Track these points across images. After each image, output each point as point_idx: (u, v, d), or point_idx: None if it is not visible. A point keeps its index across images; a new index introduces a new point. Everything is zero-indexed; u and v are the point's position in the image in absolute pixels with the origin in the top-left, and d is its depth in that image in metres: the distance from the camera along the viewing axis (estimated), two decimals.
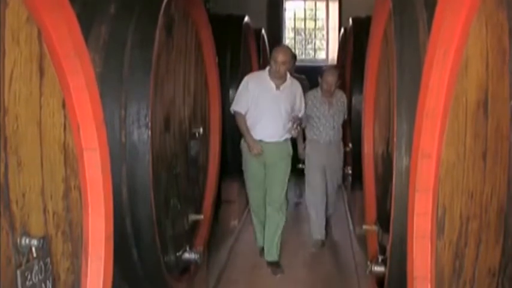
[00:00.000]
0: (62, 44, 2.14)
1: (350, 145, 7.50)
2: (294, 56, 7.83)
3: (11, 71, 1.85)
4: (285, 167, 6.13)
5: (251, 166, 6.11)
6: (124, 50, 3.27)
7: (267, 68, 5.99)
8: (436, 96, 2.06)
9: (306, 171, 7.02)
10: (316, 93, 6.83)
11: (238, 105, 5.94)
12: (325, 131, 6.84)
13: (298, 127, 6.15)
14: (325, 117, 6.80)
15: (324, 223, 7.08)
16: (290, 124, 5.98)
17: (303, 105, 6.37)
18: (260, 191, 6.21)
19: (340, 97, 6.99)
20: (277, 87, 5.93)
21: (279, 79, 5.92)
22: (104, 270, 2.40)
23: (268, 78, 5.93)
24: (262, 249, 6.31)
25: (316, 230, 6.98)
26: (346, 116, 7.09)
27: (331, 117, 6.81)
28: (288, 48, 6.53)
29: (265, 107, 5.89)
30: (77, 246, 2.33)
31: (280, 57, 5.76)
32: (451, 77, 2.04)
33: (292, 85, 6.16)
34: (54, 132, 2.15)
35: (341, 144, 7.20)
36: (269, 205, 6.15)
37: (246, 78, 6.08)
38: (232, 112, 6.02)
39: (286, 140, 6.09)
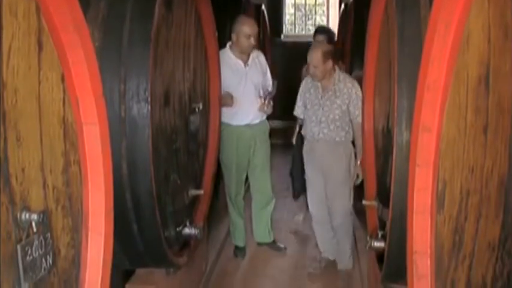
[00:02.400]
0: (61, 18, 2.12)
1: None
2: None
3: (9, 45, 1.84)
4: (268, 147, 5.95)
5: (237, 154, 5.72)
6: (123, 25, 3.25)
7: (228, 46, 5.59)
8: (437, 69, 2.05)
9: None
10: None
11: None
12: (310, 124, 5.43)
13: (271, 102, 5.68)
14: (313, 106, 5.39)
15: (333, 241, 5.70)
16: (260, 101, 5.60)
17: (270, 76, 5.89)
18: (243, 176, 5.93)
19: (350, 88, 5.27)
20: (245, 64, 5.59)
21: (245, 54, 5.56)
22: (104, 244, 2.41)
23: (233, 57, 5.55)
24: (241, 247, 6.09)
25: (322, 246, 5.82)
26: (356, 117, 5.19)
27: (319, 107, 5.34)
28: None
29: (239, 89, 5.54)
30: (77, 220, 2.34)
31: (252, 29, 5.43)
32: (452, 50, 2.02)
33: (258, 56, 5.80)
34: (53, 106, 2.14)
35: (343, 148, 5.38)
36: (258, 193, 6.03)
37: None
38: None
39: (266, 115, 5.83)
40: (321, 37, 6.58)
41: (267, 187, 5.99)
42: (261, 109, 5.62)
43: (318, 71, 5.20)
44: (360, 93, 5.00)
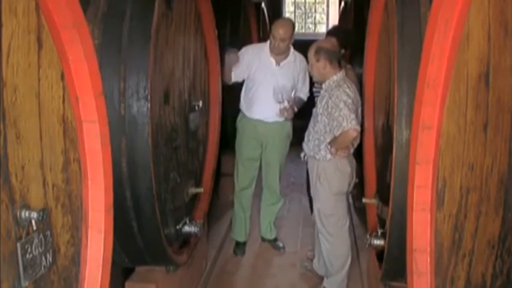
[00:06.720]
0: (61, 16, 2.12)
1: None
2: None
3: (8, 43, 1.83)
4: (283, 148, 5.84)
5: (247, 146, 5.75)
6: (123, 22, 3.24)
7: (268, 41, 5.57)
8: (437, 66, 2.05)
9: None
10: None
11: (235, 75, 5.55)
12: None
13: (294, 108, 5.52)
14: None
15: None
16: (283, 104, 5.45)
17: (307, 85, 5.70)
18: (252, 171, 5.89)
19: (331, 94, 4.52)
20: (277, 63, 5.53)
21: (279, 55, 5.52)
22: (104, 242, 2.41)
23: (268, 52, 5.53)
24: (240, 244, 6.06)
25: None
26: (334, 130, 4.48)
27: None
28: (289, 21, 5.85)
29: (262, 84, 5.51)
30: (77, 218, 2.34)
31: (280, 33, 5.35)
32: (452, 47, 2.02)
33: (296, 61, 5.60)
34: (53, 104, 2.14)
35: (317, 167, 4.75)
36: (266, 190, 6.04)
37: (245, 47, 5.72)
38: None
39: (286, 119, 5.64)
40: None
41: (274, 187, 5.99)
42: (281, 114, 5.51)
43: (312, 69, 4.82)
44: (337, 100, 4.43)
